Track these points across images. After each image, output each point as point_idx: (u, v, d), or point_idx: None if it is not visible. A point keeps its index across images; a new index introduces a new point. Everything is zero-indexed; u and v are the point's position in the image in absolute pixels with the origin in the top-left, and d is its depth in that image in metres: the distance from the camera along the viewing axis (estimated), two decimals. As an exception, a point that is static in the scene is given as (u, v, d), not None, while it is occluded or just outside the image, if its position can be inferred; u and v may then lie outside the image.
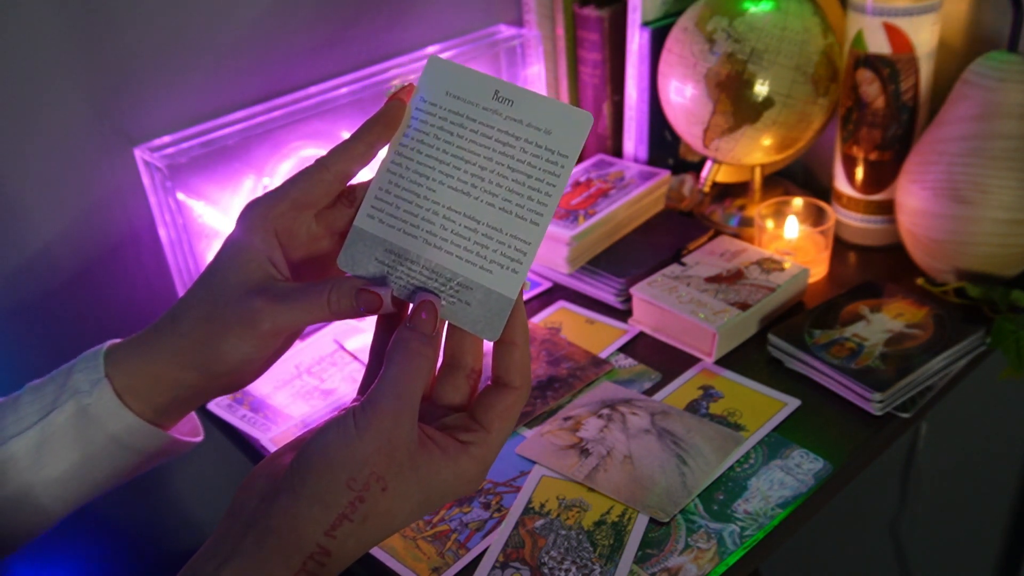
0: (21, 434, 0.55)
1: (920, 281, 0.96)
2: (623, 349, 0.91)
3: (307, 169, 0.53)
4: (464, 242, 0.52)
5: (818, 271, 0.99)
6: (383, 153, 0.54)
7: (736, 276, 0.93)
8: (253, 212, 0.53)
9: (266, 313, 0.51)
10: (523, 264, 0.51)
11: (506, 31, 1.07)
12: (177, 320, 0.54)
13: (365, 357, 0.92)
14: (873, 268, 1.01)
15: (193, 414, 0.62)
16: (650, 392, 0.85)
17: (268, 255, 0.53)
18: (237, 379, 0.55)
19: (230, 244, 0.53)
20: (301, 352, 0.93)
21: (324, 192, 0.53)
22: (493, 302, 0.51)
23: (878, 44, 0.93)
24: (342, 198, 0.54)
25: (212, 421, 0.87)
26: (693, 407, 0.82)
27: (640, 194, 1.04)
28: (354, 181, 0.55)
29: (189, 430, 0.62)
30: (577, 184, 1.06)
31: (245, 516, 0.47)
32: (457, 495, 0.50)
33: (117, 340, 0.57)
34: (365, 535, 0.47)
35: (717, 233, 1.04)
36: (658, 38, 1.04)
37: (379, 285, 0.51)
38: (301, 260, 0.55)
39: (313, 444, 0.47)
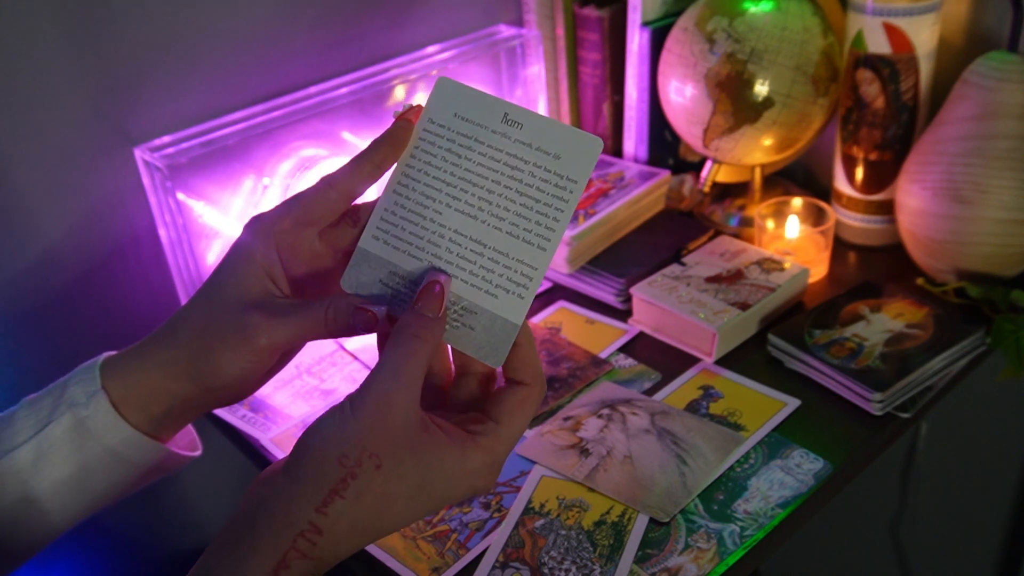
0: (17, 448, 0.54)
1: (920, 281, 0.96)
2: (623, 349, 0.91)
3: (312, 187, 0.53)
4: (470, 266, 0.51)
5: (818, 271, 0.99)
6: (390, 174, 0.54)
7: (736, 276, 0.93)
8: (256, 227, 0.53)
9: (263, 328, 0.51)
10: (529, 289, 0.51)
11: (506, 31, 1.07)
12: (174, 331, 0.54)
13: (365, 357, 0.92)
14: (873, 268, 1.01)
15: (191, 427, 0.62)
16: (650, 392, 0.85)
17: (268, 271, 0.53)
18: (233, 392, 0.55)
19: (231, 258, 0.53)
20: (301, 352, 0.93)
21: (328, 210, 0.53)
22: (498, 327, 0.51)
23: (878, 44, 0.93)
24: (346, 217, 0.54)
25: (212, 421, 0.87)
26: (693, 407, 0.82)
27: (640, 194, 1.04)
28: (359, 201, 0.55)
29: (186, 444, 0.61)
30: (577, 184, 1.06)
31: (248, 504, 0.47)
32: (467, 489, 0.49)
33: (112, 352, 0.56)
34: (359, 516, 0.46)
35: (717, 233, 1.04)
36: (658, 38, 1.04)
37: (375, 304, 0.51)
38: (302, 277, 0.55)
39: (310, 428, 0.48)
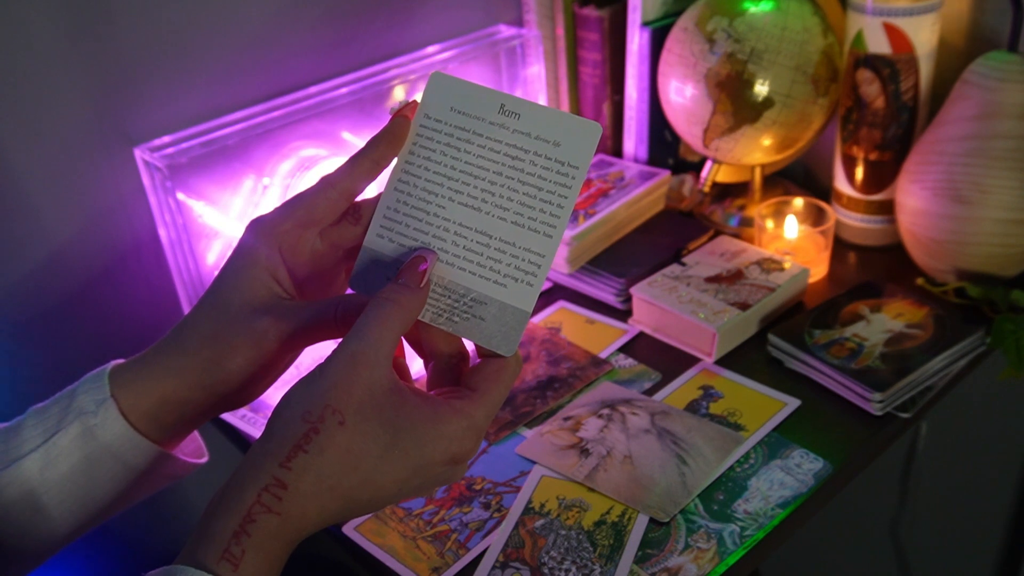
0: (25, 456, 0.53)
1: (920, 281, 0.96)
2: (623, 349, 0.91)
3: (312, 187, 0.53)
4: (477, 257, 0.52)
5: (818, 271, 0.99)
6: (389, 171, 0.54)
7: (736, 276, 0.93)
8: (257, 230, 0.53)
9: (272, 332, 0.52)
10: (538, 277, 0.51)
11: (506, 31, 1.07)
12: (182, 340, 0.54)
13: (365, 357, 0.92)
14: (873, 268, 1.01)
15: (197, 434, 0.62)
16: (650, 392, 0.85)
17: (272, 273, 0.53)
18: (242, 397, 0.55)
19: (234, 262, 0.53)
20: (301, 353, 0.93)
21: (329, 209, 0.53)
22: (508, 316, 0.51)
23: (878, 44, 0.93)
24: (347, 215, 0.54)
25: (211, 421, 0.87)
26: (693, 407, 0.82)
27: (640, 194, 1.04)
28: (359, 198, 0.55)
29: (193, 451, 0.61)
30: (577, 184, 1.06)
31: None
32: (444, 453, 0.48)
33: (120, 360, 0.56)
34: (323, 471, 0.46)
35: (717, 233, 1.04)
36: (658, 38, 1.04)
37: None
38: (306, 277, 0.55)
39: (283, 395, 0.49)
